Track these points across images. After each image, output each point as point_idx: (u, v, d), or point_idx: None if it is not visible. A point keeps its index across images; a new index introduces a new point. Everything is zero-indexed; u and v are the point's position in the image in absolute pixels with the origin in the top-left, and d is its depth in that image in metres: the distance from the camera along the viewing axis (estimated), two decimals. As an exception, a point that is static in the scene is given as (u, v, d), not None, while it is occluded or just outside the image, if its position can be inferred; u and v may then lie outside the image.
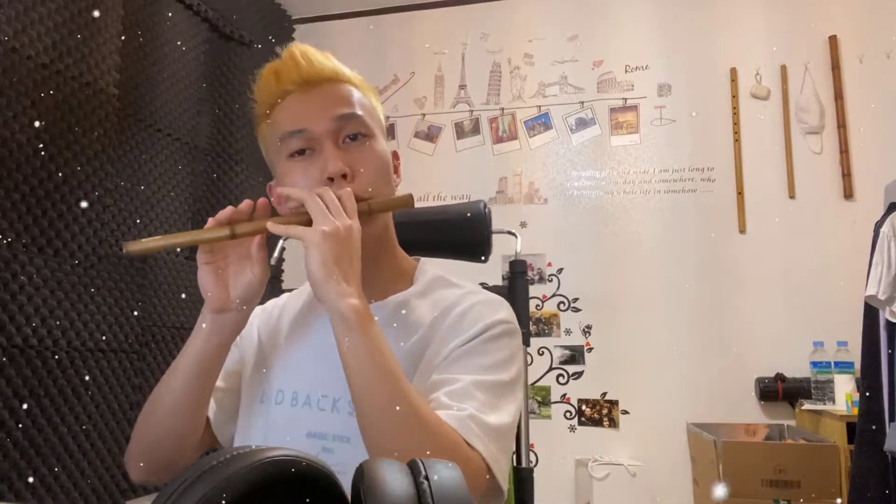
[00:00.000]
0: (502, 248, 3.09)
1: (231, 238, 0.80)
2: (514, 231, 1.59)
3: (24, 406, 1.83)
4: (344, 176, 0.84)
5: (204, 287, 0.83)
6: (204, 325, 0.84)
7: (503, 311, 0.90)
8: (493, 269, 1.44)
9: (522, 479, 1.22)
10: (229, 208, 0.81)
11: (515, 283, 1.35)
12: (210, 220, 0.81)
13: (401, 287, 0.93)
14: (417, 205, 0.95)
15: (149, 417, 0.87)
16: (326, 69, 0.89)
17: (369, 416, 0.74)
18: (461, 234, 1.31)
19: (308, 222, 0.78)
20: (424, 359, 0.86)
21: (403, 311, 0.90)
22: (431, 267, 0.99)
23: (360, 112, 0.88)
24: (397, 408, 0.73)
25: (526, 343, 1.30)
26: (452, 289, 0.94)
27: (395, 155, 0.95)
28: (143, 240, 0.77)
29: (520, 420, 1.28)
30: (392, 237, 0.96)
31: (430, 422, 0.74)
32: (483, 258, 1.31)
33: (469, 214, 1.31)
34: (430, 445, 0.72)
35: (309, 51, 0.89)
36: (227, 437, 0.97)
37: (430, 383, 0.83)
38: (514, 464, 1.25)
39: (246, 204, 0.82)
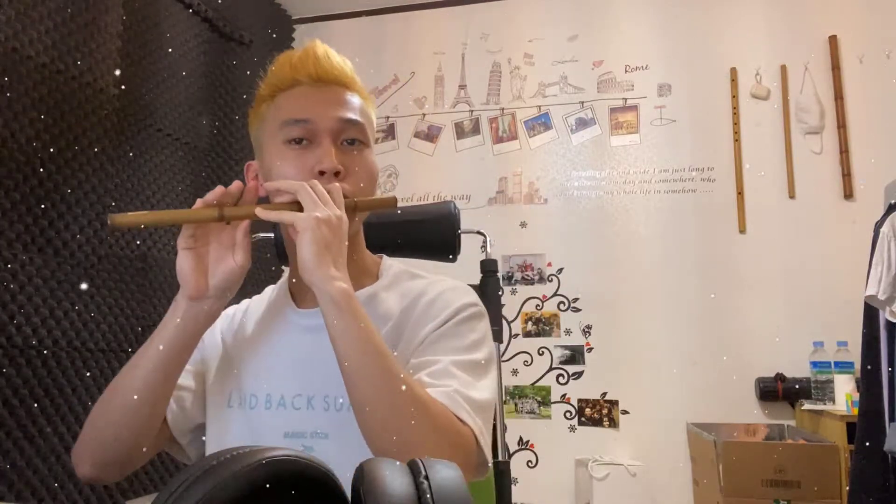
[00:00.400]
0: (501, 248, 3.07)
1: (219, 220, 0.80)
2: (482, 231, 1.61)
3: (24, 406, 1.84)
4: (337, 173, 0.86)
5: (182, 272, 0.82)
6: (177, 313, 0.83)
7: (470, 295, 0.94)
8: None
9: (500, 473, 1.24)
10: (219, 188, 0.81)
11: (487, 282, 1.40)
12: (198, 202, 0.81)
13: (368, 282, 0.96)
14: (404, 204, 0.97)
15: (105, 408, 0.85)
16: (343, 73, 0.92)
17: (363, 396, 0.75)
18: (430, 234, 1.34)
19: (297, 210, 0.79)
20: (399, 347, 0.88)
21: (373, 304, 0.92)
22: (395, 262, 1.02)
23: (362, 120, 0.91)
24: (390, 385, 0.74)
25: (498, 340, 1.33)
26: (418, 280, 0.97)
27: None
28: (130, 213, 0.76)
29: (495, 414, 1.31)
30: (362, 237, 0.98)
31: (422, 398, 0.75)
32: (451, 258, 1.34)
33: (438, 215, 1.33)
34: (424, 421, 0.74)
35: (330, 51, 0.92)
36: (185, 436, 0.96)
37: (410, 367, 0.84)
38: (497, 458, 1.27)
39: (235, 185, 0.83)
